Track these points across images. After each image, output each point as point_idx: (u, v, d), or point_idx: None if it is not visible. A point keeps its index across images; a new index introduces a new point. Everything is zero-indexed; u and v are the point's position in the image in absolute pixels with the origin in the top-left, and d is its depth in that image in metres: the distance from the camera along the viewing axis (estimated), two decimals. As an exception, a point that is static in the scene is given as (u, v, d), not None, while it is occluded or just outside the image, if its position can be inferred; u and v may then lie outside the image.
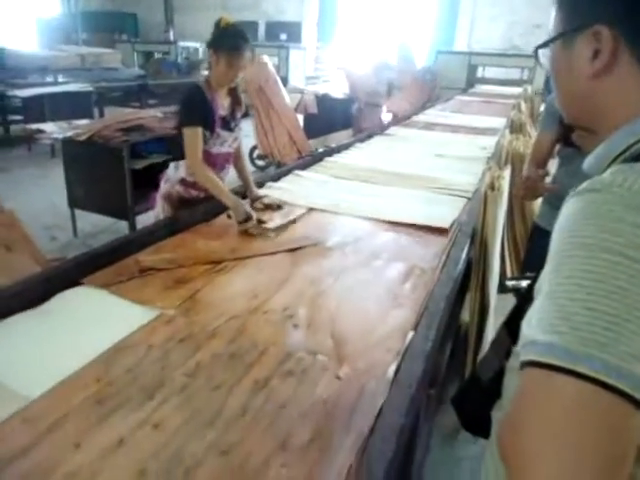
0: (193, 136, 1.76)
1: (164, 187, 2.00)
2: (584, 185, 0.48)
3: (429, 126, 4.10)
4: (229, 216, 1.75)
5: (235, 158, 2.04)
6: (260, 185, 2.16)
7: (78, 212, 3.60)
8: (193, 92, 1.81)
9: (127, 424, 0.83)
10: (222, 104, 1.88)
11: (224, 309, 1.20)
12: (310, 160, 2.71)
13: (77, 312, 1.17)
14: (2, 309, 1.13)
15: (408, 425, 0.88)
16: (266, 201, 1.92)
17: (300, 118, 5.20)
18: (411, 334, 1.12)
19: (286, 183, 2.28)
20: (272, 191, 2.11)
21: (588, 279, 0.42)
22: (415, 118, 4.61)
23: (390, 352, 1.05)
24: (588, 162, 0.57)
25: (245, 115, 2.08)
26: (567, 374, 0.39)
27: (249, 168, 2.15)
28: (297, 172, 2.43)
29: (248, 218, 1.68)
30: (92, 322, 1.13)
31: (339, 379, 0.97)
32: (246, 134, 5.14)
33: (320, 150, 2.97)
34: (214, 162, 1.88)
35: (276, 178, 2.33)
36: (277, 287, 1.33)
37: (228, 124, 1.91)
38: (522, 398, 0.43)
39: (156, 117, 3.70)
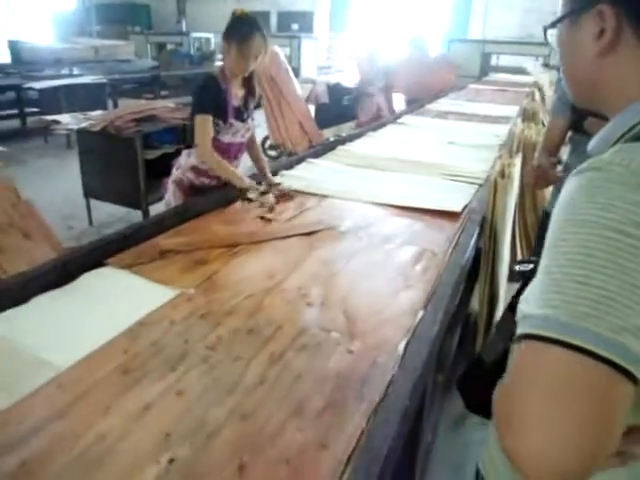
0: (204, 123, 1.79)
1: (175, 174, 2.03)
2: (585, 164, 0.49)
3: (442, 115, 4.10)
4: (244, 199, 1.80)
5: (249, 148, 2.08)
6: (274, 173, 2.20)
7: (93, 202, 3.69)
8: (207, 81, 1.84)
9: (152, 391, 0.89)
10: (236, 94, 1.90)
11: (241, 288, 1.26)
12: (323, 149, 2.75)
13: (102, 290, 1.23)
14: (32, 289, 1.20)
15: (413, 407, 0.91)
16: (280, 188, 1.96)
17: (312, 108, 5.22)
18: (421, 313, 1.16)
19: (299, 171, 2.32)
20: (286, 179, 2.16)
21: (583, 254, 0.43)
22: (428, 107, 4.61)
23: (401, 329, 1.10)
24: (592, 143, 0.59)
25: (258, 106, 2.11)
26: (560, 345, 0.41)
27: (263, 156, 2.19)
28: (310, 160, 2.47)
29: (264, 193, 1.77)
30: (117, 300, 1.20)
31: (351, 353, 1.02)
32: (258, 124, 5.16)
33: (332, 139, 3.01)
34: (227, 152, 1.92)
35: (289, 166, 2.37)
36: (292, 268, 1.38)
37: (241, 114, 1.93)
38: (516, 368, 0.44)
39: (168, 107, 3.76)
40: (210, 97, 1.82)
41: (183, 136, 3.55)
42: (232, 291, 1.25)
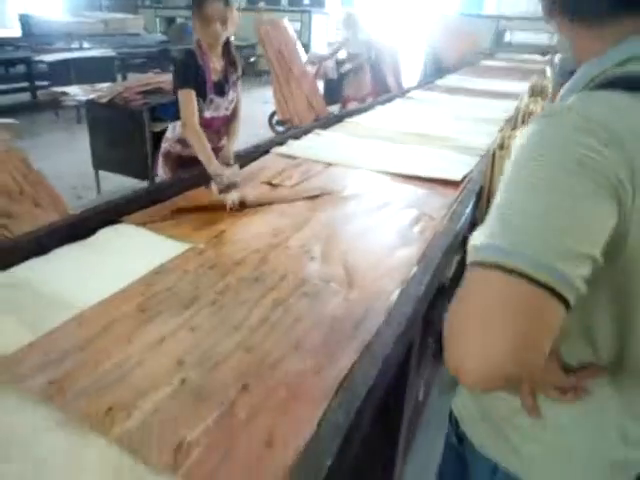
0: (187, 97, 1.74)
1: (164, 147, 2.05)
2: (544, 111, 0.55)
3: (451, 90, 4.11)
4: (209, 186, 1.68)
5: (229, 120, 1.99)
6: (280, 144, 2.28)
7: (102, 173, 3.79)
8: (187, 56, 1.80)
9: (167, 327, 1.00)
10: (215, 69, 1.85)
11: (248, 244, 1.35)
12: (331, 120, 2.81)
13: (119, 244, 1.33)
14: (53, 242, 1.30)
15: (395, 357, 0.98)
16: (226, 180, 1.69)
17: (320, 85, 5.23)
18: (415, 268, 1.25)
19: (306, 141, 2.39)
20: (292, 148, 2.23)
21: (528, 188, 0.47)
22: (438, 82, 4.61)
23: (395, 281, 1.19)
24: (561, 93, 0.64)
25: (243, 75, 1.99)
26: (499, 270, 0.43)
27: (236, 134, 2.03)
28: (317, 131, 2.54)
29: (229, 187, 1.64)
30: (132, 252, 1.30)
31: (347, 300, 1.11)
32: (265, 100, 5.14)
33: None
34: (210, 126, 1.89)
35: (297, 136, 2.44)
36: (296, 228, 1.46)
37: (221, 88, 1.88)
38: (460, 292, 0.47)
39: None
40: (190, 72, 1.77)
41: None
42: (240, 246, 1.34)
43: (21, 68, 6.34)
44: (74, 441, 0.73)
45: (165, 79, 3.88)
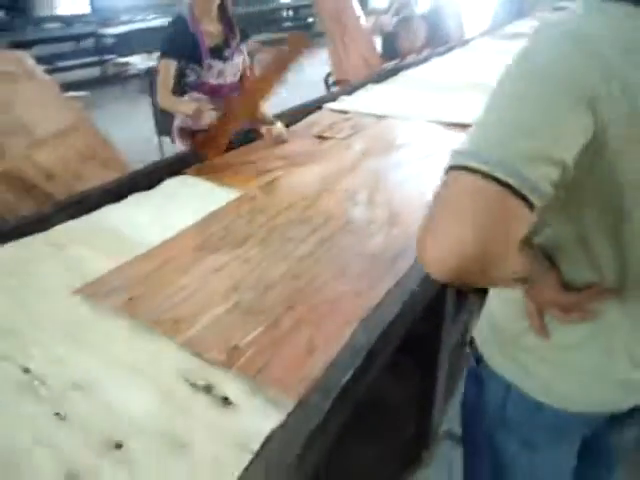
0: (165, 68, 1.77)
1: (176, 123, 2.03)
2: (551, 19, 0.55)
3: (515, 36, 3.92)
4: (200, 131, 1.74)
5: (240, 86, 1.97)
6: (332, 99, 2.34)
7: (165, 140, 4.03)
8: (175, 24, 1.82)
9: (223, 259, 1.14)
10: (210, 33, 1.83)
11: (297, 191, 1.46)
12: (384, 74, 2.81)
13: (181, 192, 1.49)
14: (125, 191, 1.48)
15: (423, 295, 1.02)
16: (276, 130, 1.86)
17: (378, 42, 5.13)
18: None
19: (358, 96, 2.44)
20: (343, 103, 2.29)
21: (501, 97, 0.49)
22: (507, 29, 4.38)
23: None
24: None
25: (245, 39, 1.97)
26: (467, 171, 0.46)
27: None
28: (370, 86, 2.57)
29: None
30: (193, 198, 1.45)
31: (388, 237, 1.20)
32: (323, 62, 5.10)
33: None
34: (217, 93, 1.88)
35: (349, 92, 2.49)
36: (343, 176, 1.55)
37: (220, 53, 1.86)
38: (434, 194, 0.49)
39: None
40: (178, 40, 1.78)
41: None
42: (289, 193, 1.46)
43: (90, 42, 6.75)
44: (149, 343, 0.88)
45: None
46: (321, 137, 1.91)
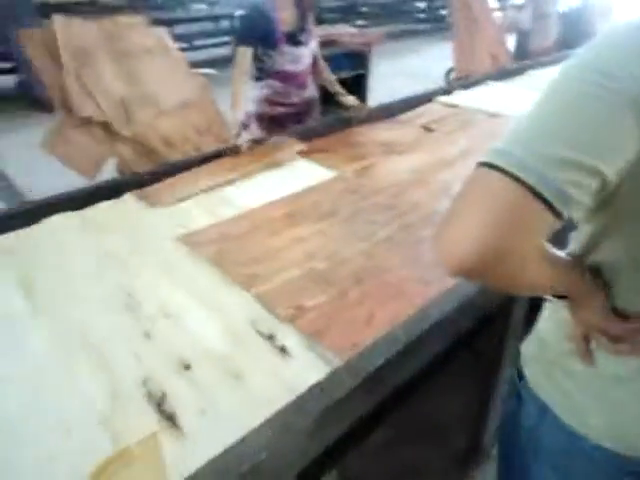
0: (240, 54, 1.84)
1: (254, 108, 2.07)
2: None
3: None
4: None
5: (314, 70, 2.06)
6: (447, 92, 2.33)
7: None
8: (251, 10, 1.86)
9: (306, 230, 1.24)
10: (284, 19, 1.87)
11: (391, 178, 1.52)
12: (510, 71, 2.72)
13: (280, 168, 1.63)
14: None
15: (484, 300, 1.00)
16: (362, 108, 2.01)
17: (512, 40, 4.89)
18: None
19: (473, 91, 2.40)
20: (456, 97, 2.28)
21: (544, 100, 0.48)
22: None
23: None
24: None
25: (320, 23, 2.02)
26: (491, 168, 0.46)
27: (331, 75, 2.12)
28: (489, 82, 2.51)
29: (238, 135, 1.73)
30: (290, 174, 1.58)
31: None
32: (444, 57, 4.96)
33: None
34: (295, 79, 1.96)
35: (466, 86, 2.46)
36: (440, 169, 1.58)
37: (295, 38, 1.89)
38: (460, 189, 0.49)
39: (349, 32, 4.00)
40: (254, 27, 1.84)
41: (360, 62, 3.80)
42: (381, 179, 1.52)
43: (226, 23, 7.28)
44: (228, 290, 1.02)
45: (339, 31, 4.11)
46: (426, 129, 1.93)
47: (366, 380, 0.77)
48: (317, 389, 0.74)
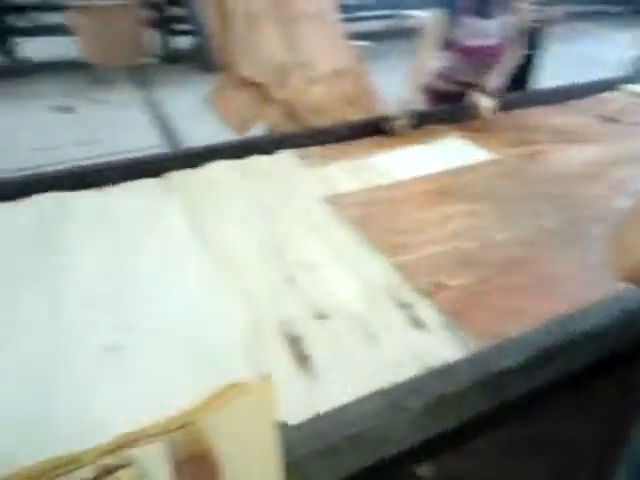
0: (429, 23, 1.67)
1: (425, 80, 1.84)
2: None
3: None
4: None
5: (500, 51, 1.74)
6: (634, 81, 2.06)
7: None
8: None
9: (455, 208, 1.20)
10: None
11: (557, 168, 1.41)
12: None
13: (434, 143, 1.59)
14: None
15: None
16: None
17: None
18: None
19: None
20: None
21: None
22: None
23: None
24: None
25: None
26: None
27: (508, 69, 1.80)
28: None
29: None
30: (444, 150, 1.54)
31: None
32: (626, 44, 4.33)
33: None
34: (471, 55, 1.73)
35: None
36: (616, 164, 1.42)
37: (481, 10, 1.63)
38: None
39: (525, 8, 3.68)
40: None
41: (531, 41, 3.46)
42: (547, 167, 1.41)
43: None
44: (370, 255, 1.03)
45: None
46: (607, 118, 1.73)
47: (493, 377, 0.71)
48: (437, 373, 0.70)
